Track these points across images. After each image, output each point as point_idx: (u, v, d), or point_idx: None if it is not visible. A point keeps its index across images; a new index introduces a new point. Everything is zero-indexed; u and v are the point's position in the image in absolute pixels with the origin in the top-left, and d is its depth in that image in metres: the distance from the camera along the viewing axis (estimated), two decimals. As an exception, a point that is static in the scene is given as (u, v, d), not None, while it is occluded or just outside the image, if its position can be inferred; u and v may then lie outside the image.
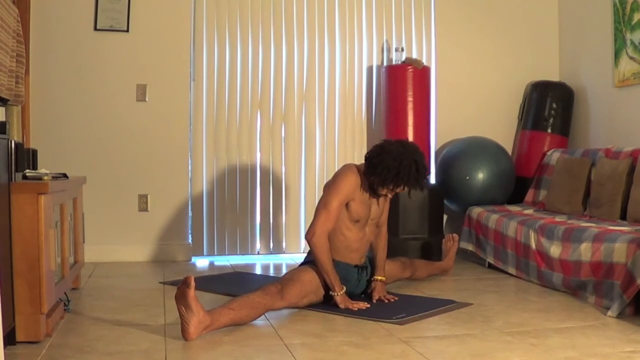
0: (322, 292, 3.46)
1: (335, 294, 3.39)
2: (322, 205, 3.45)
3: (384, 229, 3.79)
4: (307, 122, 5.34)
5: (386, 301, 3.56)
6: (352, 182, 3.47)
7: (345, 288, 3.44)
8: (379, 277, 3.65)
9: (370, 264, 3.74)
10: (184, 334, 2.84)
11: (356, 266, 3.61)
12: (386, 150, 3.45)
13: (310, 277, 3.41)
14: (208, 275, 4.47)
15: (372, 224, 3.65)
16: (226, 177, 5.23)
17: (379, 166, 3.42)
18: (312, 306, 3.43)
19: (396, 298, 3.62)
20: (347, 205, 3.49)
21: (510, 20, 5.62)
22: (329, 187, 3.50)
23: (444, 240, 4.51)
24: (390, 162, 3.39)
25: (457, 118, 5.51)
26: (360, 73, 5.42)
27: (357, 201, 3.50)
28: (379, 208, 3.64)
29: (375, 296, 3.58)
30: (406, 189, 3.49)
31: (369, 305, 3.41)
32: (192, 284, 2.81)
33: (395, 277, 3.95)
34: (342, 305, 3.37)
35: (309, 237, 3.42)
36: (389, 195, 3.57)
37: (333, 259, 3.46)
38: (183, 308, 2.83)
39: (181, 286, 2.84)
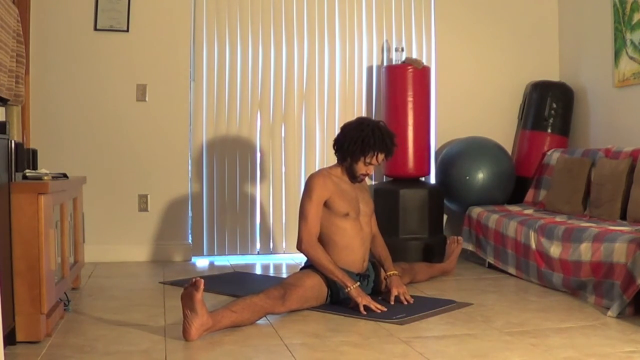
0: (323, 297, 3.45)
1: (349, 288, 3.34)
2: (300, 215, 3.52)
3: (378, 235, 3.81)
4: (307, 122, 5.34)
5: (405, 302, 3.49)
6: (319, 183, 3.53)
7: (358, 282, 3.43)
8: (392, 272, 3.63)
9: (374, 269, 3.73)
10: (185, 335, 2.84)
11: (358, 274, 3.57)
12: (346, 128, 3.63)
13: (312, 283, 3.40)
14: (208, 275, 4.46)
15: (365, 216, 3.65)
16: (226, 177, 5.23)
17: (345, 143, 3.56)
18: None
19: (412, 300, 3.54)
20: (328, 204, 3.51)
21: (510, 20, 5.62)
22: (302, 198, 3.57)
23: (448, 243, 4.50)
24: (353, 133, 3.55)
25: (457, 118, 5.50)
26: (360, 73, 5.42)
27: (335, 197, 3.53)
28: (367, 198, 3.71)
29: (394, 292, 3.52)
30: (378, 156, 3.54)
31: (385, 309, 3.31)
32: (201, 287, 2.80)
33: None
34: (358, 299, 3.31)
35: (299, 247, 3.49)
36: (369, 173, 3.61)
37: None
38: (188, 310, 2.82)
39: (189, 287, 2.83)
